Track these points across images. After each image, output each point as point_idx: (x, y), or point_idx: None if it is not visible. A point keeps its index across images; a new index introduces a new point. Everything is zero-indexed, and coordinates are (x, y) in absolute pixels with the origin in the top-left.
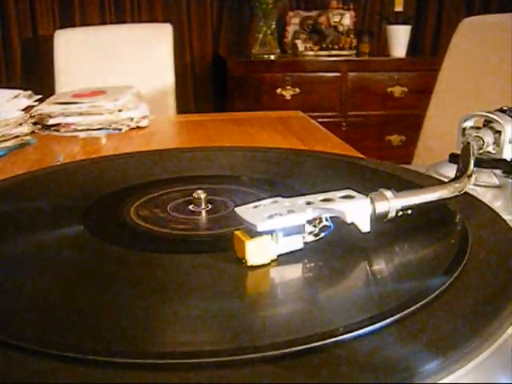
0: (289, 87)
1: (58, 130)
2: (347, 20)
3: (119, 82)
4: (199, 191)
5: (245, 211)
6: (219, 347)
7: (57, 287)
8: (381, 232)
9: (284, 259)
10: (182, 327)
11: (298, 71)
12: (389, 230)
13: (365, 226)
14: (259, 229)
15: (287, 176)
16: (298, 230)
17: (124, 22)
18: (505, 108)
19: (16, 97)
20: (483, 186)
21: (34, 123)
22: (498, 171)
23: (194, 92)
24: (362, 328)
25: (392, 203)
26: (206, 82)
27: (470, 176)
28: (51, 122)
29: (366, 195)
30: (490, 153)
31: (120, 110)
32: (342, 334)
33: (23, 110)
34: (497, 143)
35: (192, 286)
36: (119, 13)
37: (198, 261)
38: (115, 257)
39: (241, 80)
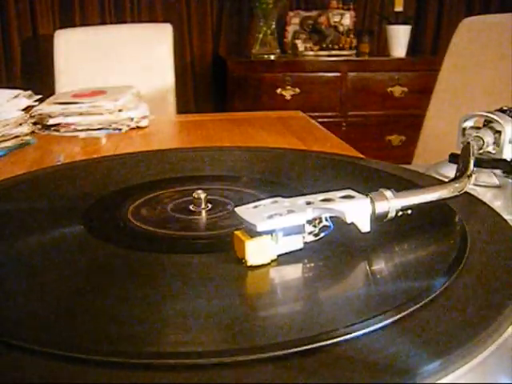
0: (289, 87)
1: (58, 130)
2: (347, 20)
3: (119, 82)
4: (199, 191)
5: (245, 211)
6: (219, 347)
7: (57, 287)
8: (381, 232)
9: (284, 259)
10: (182, 327)
11: (298, 71)
12: (389, 230)
13: (365, 225)
14: (259, 229)
15: (287, 176)
16: (298, 230)
17: (124, 22)
18: (505, 108)
19: (16, 97)
20: (483, 186)
21: (34, 123)
22: (497, 171)
23: (194, 92)
24: (361, 328)
25: (392, 203)
26: (206, 82)
27: (469, 176)
28: (51, 122)
29: (366, 195)
30: (490, 153)
31: (120, 110)
32: (342, 334)
33: (23, 110)
34: (497, 143)
35: (192, 286)
36: (119, 13)
37: (197, 261)
38: (115, 257)
39: (241, 80)
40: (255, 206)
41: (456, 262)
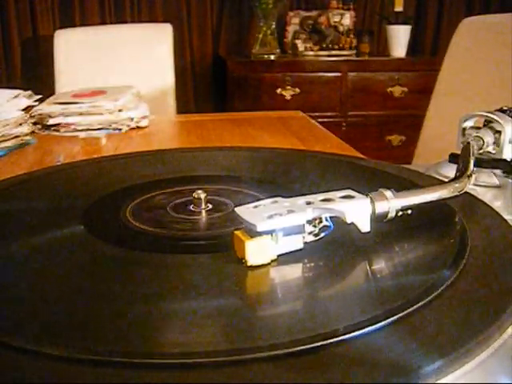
0: (289, 87)
1: (57, 130)
2: (347, 20)
3: (119, 82)
4: (199, 191)
5: (245, 211)
6: (219, 347)
7: (57, 287)
8: (381, 232)
9: (284, 259)
10: (182, 327)
11: (298, 71)
12: (389, 230)
13: (365, 225)
14: (259, 229)
15: (287, 176)
16: (298, 230)
17: (124, 22)
18: (505, 108)
19: (16, 97)
20: (483, 186)
21: (34, 123)
22: (498, 171)
23: (194, 92)
24: (361, 328)
25: (392, 203)
26: (206, 82)
27: (469, 176)
28: (51, 121)
29: (366, 195)
30: (490, 153)
31: (120, 110)
32: (342, 334)
33: (23, 110)
34: (497, 143)
35: (192, 286)
36: (119, 13)
37: (197, 261)
38: (115, 257)
39: (241, 80)
40: (255, 206)
41: (456, 262)
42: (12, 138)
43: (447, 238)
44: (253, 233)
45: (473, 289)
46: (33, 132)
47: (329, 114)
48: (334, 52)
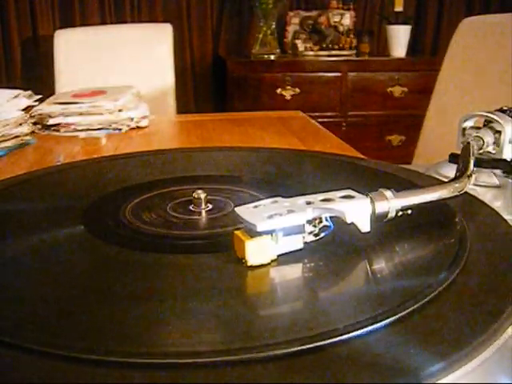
0: (289, 87)
1: (57, 130)
2: (347, 20)
3: (119, 82)
4: (199, 191)
5: (245, 211)
6: (219, 347)
7: (57, 287)
8: (381, 232)
9: (284, 259)
10: (182, 327)
11: (298, 71)
12: (389, 230)
13: (365, 225)
14: (259, 229)
15: (287, 176)
16: (298, 230)
17: (124, 22)
18: (505, 108)
19: (16, 97)
20: (483, 186)
21: (34, 123)
22: (497, 171)
23: (194, 92)
24: (361, 328)
25: (392, 203)
26: (206, 82)
27: (469, 176)
28: (51, 121)
29: (366, 195)
30: (490, 153)
31: (120, 110)
32: (342, 334)
33: (23, 110)
34: (497, 143)
35: (192, 285)
36: (119, 13)
37: (197, 261)
38: (115, 257)
39: (241, 80)
40: (255, 206)
41: (456, 262)
42: (12, 138)
43: (447, 238)
44: (253, 233)
45: (473, 289)
46: (33, 132)
47: (329, 114)
48: (334, 52)
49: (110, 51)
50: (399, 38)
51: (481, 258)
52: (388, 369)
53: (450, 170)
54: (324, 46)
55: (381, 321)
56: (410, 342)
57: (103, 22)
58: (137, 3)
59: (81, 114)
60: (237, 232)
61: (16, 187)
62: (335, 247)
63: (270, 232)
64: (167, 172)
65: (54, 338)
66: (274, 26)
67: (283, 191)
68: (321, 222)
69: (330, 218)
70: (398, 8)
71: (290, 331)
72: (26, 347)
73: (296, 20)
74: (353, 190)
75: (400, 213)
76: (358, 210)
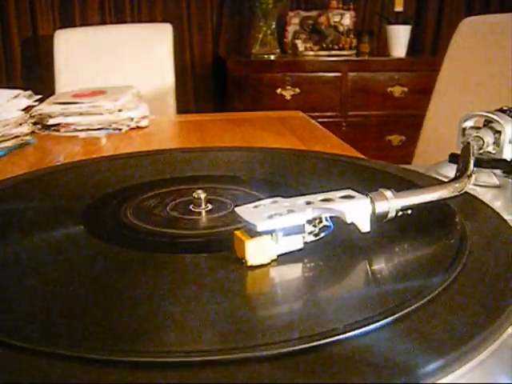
0: (289, 87)
1: (58, 130)
2: (347, 20)
3: (119, 82)
4: (199, 191)
5: (245, 211)
6: (218, 346)
7: (57, 287)
8: (381, 232)
9: (284, 259)
10: (182, 326)
11: (298, 71)
12: (389, 230)
13: (365, 225)
14: (259, 229)
15: (287, 176)
16: (298, 230)
17: (124, 22)
18: (505, 108)
19: (16, 97)
20: (483, 186)
21: (34, 123)
22: (498, 171)
23: (194, 92)
24: (361, 327)
25: (392, 203)
26: (206, 82)
27: (469, 176)
28: (51, 122)
29: (366, 195)
30: (490, 153)
31: (120, 110)
32: (342, 334)
33: (23, 110)
34: (497, 143)
35: (192, 285)
36: (119, 13)
37: (198, 261)
38: (115, 257)
39: (241, 80)
40: (255, 206)
41: (456, 262)
42: (12, 138)
43: (447, 238)
44: (253, 233)
45: (472, 289)
46: (33, 132)
47: (329, 114)
48: (334, 52)
49: (110, 51)
50: (399, 38)
51: (481, 258)
52: (388, 369)
53: (450, 170)
54: (324, 45)
55: (380, 320)
56: (410, 341)
57: (103, 22)
58: (137, 3)
59: (81, 114)
60: (237, 232)
61: (16, 187)
62: (335, 247)
63: (270, 232)
64: (167, 172)
65: (54, 338)
66: (274, 26)
67: (283, 191)
68: (321, 222)
69: (330, 217)
70: (398, 8)
71: (289, 331)
72: (26, 347)
73: (296, 20)
74: (353, 190)
75: (400, 213)
76: (358, 210)
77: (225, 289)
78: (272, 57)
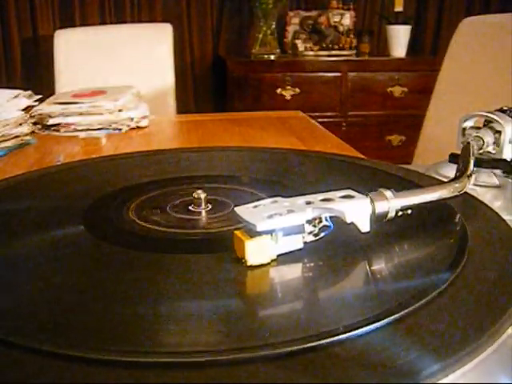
0: (289, 87)
1: (58, 130)
2: (347, 20)
3: (119, 82)
4: (199, 191)
5: (244, 211)
6: (218, 346)
7: (57, 286)
8: (380, 232)
9: (284, 259)
10: (182, 326)
11: (298, 71)
12: (389, 230)
13: (364, 225)
14: (259, 228)
15: (287, 176)
16: (298, 230)
17: (124, 22)
18: (505, 108)
19: (16, 97)
20: (483, 186)
21: (34, 123)
22: (498, 171)
23: (194, 92)
24: (361, 327)
25: (392, 203)
26: (206, 82)
27: (469, 176)
28: (51, 122)
29: (366, 195)
30: (490, 153)
31: (120, 110)
32: (342, 334)
33: (23, 110)
34: (497, 143)
35: (192, 285)
36: (119, 13)
37: (197, 261)
38: (115, 256)
39: (241, 80)
40: (255, 206)
41: (456, 262)
42: (12, 138)
43: (447, 238)
44: (253, 233)
45: (472, 289)
46: (33, 132)
47: (329, 114)
48: (334, 52)
49: (110, 51)
50: (399, 38)
51: (481, 258)
52: (388, 369)
53: (450, 170)
54: (324, 46)
55: (380, 321)
56: (410, 342)
57: (103, 22)
58: (137, 3)
59: (81, 113)
60: (237, 232)
61: (16, 187)
62: (335, 247)
63: (270, 232)
64: (167, 172)
65: (55, 338)
66: (274, 26)
67: (283, 191)
68: (320, 221)
69: (330, 217)
70: (398, 8)
71: (289, 331)
72: (26, 347)
73: (296, 20)
74: (353, 189)
75: (400, 213)
76: (358, 210)
77: (224, 289)
78: (272, 57)
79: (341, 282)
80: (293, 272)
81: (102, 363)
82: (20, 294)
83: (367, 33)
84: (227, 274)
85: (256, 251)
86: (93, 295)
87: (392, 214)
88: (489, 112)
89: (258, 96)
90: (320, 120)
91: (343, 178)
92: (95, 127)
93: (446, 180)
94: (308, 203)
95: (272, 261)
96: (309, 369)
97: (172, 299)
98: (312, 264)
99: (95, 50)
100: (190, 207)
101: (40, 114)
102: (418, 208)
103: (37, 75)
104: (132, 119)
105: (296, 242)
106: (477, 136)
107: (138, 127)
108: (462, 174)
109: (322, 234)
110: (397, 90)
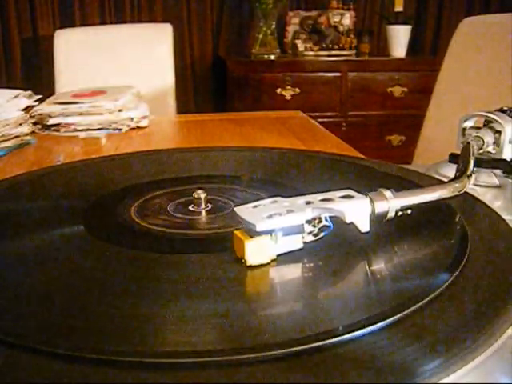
0: (289, 87)
1: (58, 130)
2: (347, 20)
3: (119, 82)
4: (199, 191)
5: (244, 211)
6: (218, 347)
7: (57, 287)
8: (380, 232)
9: (283, 259)
10: (182, 327)
11: (298, 71)
12: (388, 230)
13: (364, 225)
14: (258, 228)
15: (287, 176)
16: (298, 230)
17: (124, 22)
18: (505, 108)
19: (16, 97)
20: (483, 186)
21: (34, 123)
22: (498, 171)
23: (194, 92)
24: (361, 328)
25: (391, 203)
26: (206, 82)
27: (469, 176)
28: (51, 122)
29: (366, 195)
30: (490, 153)
31: (120, 110)
32: (342, 334)
33: (23, 110)
34: (497, 143)
35: (191, 285)
36: (119, 13)
37: (197, 261)
38: (115, 257)
39: (241, 80)
40: (255, 206)
41: (456, 262)
42: (12, 138)
43: (447, 238)
44: (252, 233)
45: (473, 289)
46: (33, 132)
47: (329, 114)
48: (334, 52)
49: (110, 51)
50: (399, 38)
51: (481, 258)
52: (388, 369)
53: (450, 170)
54: (324, 46)
55: (380, 321)
56: (410, 342)
57: (103, 22)
58: (137, 3)
59: (81, 114)
60: (236, 232)
61: (16, 187)
62: (335, 247)
63: (270, 232)
64: (167, 172)
65: (55, 338)
66: (274, 26)
67: (283, 191)
68: (320, 221)
69: (330, 217)
70: (398, 8)
71: (289, 331)
72: (26, 347)
73: (296, 20)
74: (352, 189)
75: (400, 213)
76: (358, 210)
77: (224, 289)
78: (272, 57)
79: (341, 282)
80: (292, 272)
81: (101, 363)
82: (20, 294)
83: (367, 33)
84: (227, 273)
85: (256, 251)
86: (93, 295)
87: (392, 214)
88: (489, 112)
89: (258, 96)
90: (320, 120)
91: (343, 177)
92: (95, 127)
93: (445, 180)
94: (308, 203)
95: (272, 261)
96: (308, 369)
97: (172, 299)
98: (312, 264)
99: (95, 50)
100: (190, 207)
101: (40, 114)
102: (418, 208)
103: (37, 75)
104: (132, 119)
105: (296, 242)
106: (477, 136)
107: (138, 127)
108: (461, 173)
109: (322, 234)
110: (397, 90)
